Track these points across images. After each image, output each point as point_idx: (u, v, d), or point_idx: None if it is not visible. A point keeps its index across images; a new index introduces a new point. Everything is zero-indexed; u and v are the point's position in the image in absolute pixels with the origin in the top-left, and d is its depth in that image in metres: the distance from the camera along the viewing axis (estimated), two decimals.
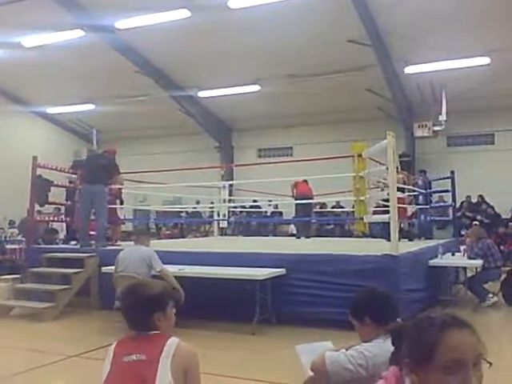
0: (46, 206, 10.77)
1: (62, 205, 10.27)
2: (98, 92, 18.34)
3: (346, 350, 2.63)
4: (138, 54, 16.52)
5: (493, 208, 16.16)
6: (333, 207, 16.29)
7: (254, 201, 16.59)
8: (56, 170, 9.67)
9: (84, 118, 20.98)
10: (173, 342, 2.22)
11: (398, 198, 9.37)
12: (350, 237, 14.51)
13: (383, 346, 2.37)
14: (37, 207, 9.89)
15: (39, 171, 9.47)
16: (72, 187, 9.59)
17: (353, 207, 8.93)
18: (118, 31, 14.67)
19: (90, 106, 19.58)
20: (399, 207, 9.59)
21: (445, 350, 1.38)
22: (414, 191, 11.09)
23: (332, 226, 17.14)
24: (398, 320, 2.62)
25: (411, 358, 1.45)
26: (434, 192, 12.70)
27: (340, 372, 2.53)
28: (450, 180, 11.50)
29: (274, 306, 6.68)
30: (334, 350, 2.71)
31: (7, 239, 12.96)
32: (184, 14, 13.19)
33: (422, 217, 11.40)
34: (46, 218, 11.81)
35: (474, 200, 16.59)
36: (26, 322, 7.32)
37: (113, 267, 6.88)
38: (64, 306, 7.68)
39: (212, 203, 14.18)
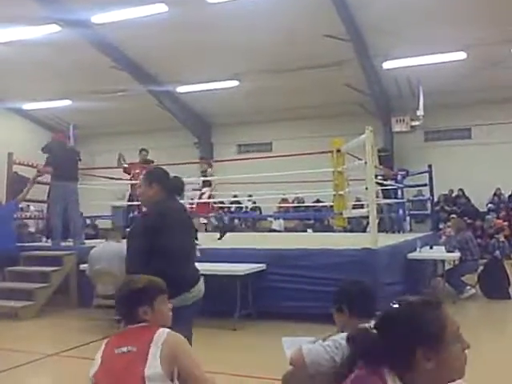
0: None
1: (40, 202, 10.17)
2: (75, 88, 18.08)
3: (323, 340, 2.62)
4: (116, 48, 16.33)
5: (469, 200, 16.41)
6: (317, 201, 16.27)
7: (234, 196, 16.57)
8: (32, 166, 9.53)
9: (60, 114, 20.65)
10: (162, 332, 2.26)
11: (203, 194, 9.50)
12: (330, 231, 14.55)
13: None
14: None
15: (15, 168, 9.34)
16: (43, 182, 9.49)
17: (332, 202, 8.97)
18: (95, 26, 14.46)
19: (67, 102, 19.28)
20: (203, 203, 9.70)
21: (449, 324, 1.56)
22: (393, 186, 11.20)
23: (312, 222, 17.20)
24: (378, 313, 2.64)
25: (423, 346, 1.50)
26: (412, 186, 12.83)
27: (318, 363, 2.52)
28: (427, 174, 11.61)
29: (254, 301, 6.70)
30: (311, 342, 2.71)
31: None
32: (161, 8, 13.08)
33: (401, 211, 11.52)
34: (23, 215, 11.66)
35: (453, 194, 16.81)
36: (4, 321, 7.20)
37: None
38: (43, 305, 7.61)
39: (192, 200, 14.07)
